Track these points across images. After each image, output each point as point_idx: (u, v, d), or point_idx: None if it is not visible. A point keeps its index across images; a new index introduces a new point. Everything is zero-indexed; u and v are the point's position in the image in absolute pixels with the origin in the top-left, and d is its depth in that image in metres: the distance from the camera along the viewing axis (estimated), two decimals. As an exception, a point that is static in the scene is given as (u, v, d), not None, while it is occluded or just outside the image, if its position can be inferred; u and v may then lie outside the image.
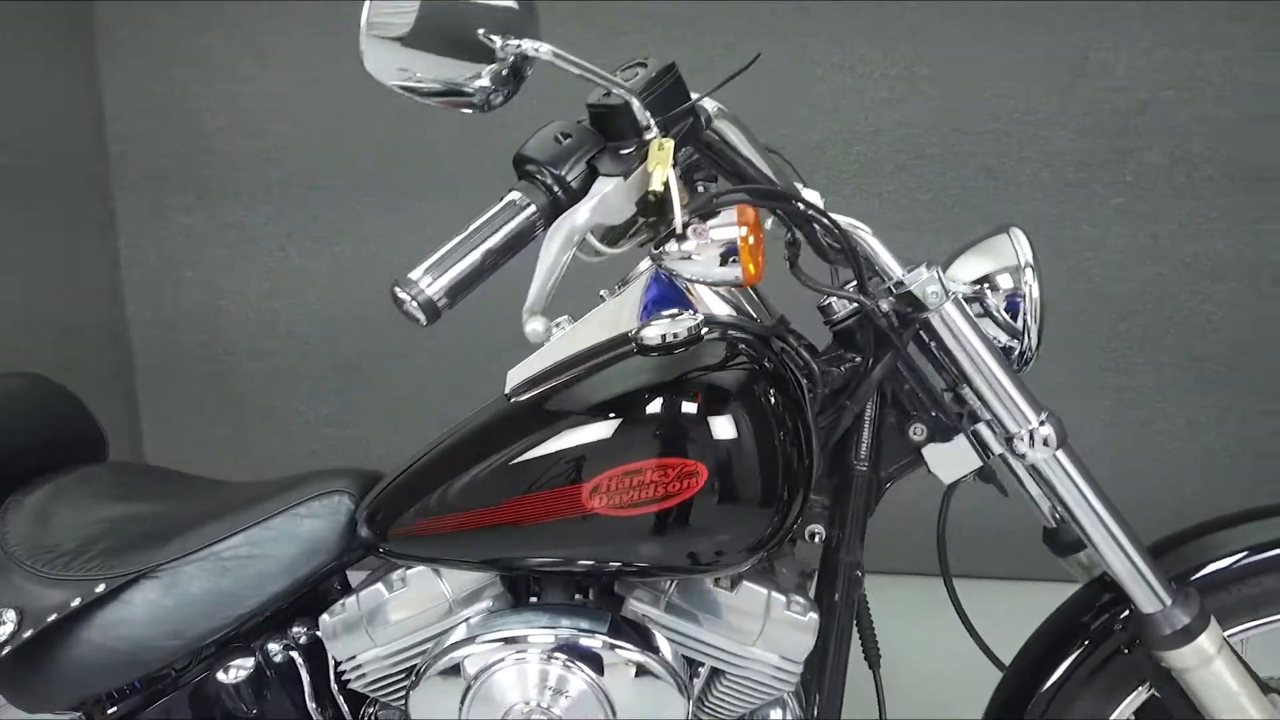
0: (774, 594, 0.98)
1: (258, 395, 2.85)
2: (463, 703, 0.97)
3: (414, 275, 0.83)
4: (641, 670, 0.94)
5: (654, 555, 0.94)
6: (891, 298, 0.99)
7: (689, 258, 0.87)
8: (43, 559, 1.08)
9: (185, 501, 1.19)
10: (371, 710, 1.10)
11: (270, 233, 2.76)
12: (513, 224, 0.85)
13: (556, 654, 0.94)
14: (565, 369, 1.01)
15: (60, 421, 1.23)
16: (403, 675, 1.05)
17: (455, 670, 0.97)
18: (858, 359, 1.03)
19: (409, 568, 1.04)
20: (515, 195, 0.86)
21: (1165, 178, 2.35)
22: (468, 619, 1.02)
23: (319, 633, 1.09)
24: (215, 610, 1.05)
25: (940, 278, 0.96)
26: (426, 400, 2.76)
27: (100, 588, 1.05)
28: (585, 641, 0.95)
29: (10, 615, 1.05)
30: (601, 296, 1.11)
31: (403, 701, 1.06)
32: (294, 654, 1.08)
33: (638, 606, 1.00)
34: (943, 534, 1.15)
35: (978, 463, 1.04)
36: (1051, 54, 2.34)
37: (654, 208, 0.84)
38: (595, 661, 0.94)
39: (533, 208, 0.85)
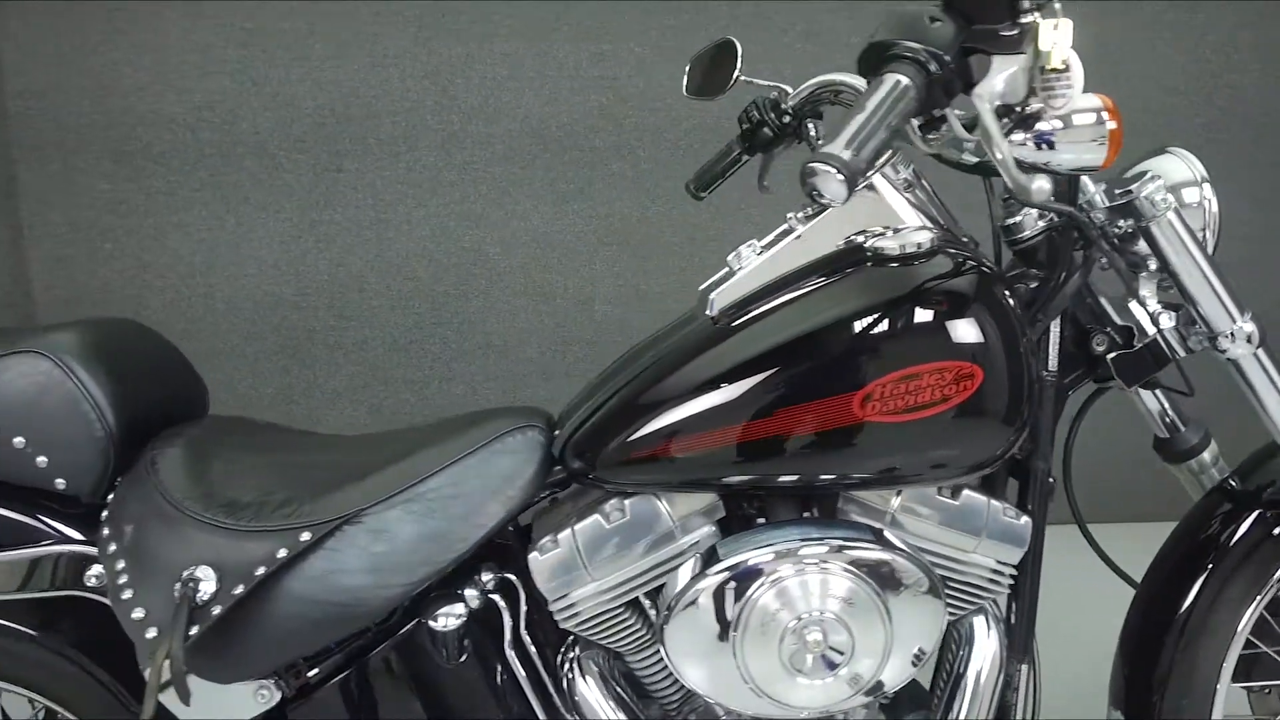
0: (992, 500, 1.03)
1: (192, 377, 2.62)
2: (732, 627, 0.95)
3: (834, 149, 0.81)
4: (907, 577, 0.96)
5: (914, 461, 0.96)
6: (1103, 209, 1.05)
7: (1048, 144, 0.90)
8: (222, 512, 0.97)
9: (349, 449, 1.10)
10: (572, 654, 1.06)
11: (204, 199, 2.54)
12: (903, 104, 0.85)
13: (834, 564, 0.94)
14: (782, 288, 1.01)
15: (170, 372, 1.10)
16: (620, 610, 1.02)
17: (719, 594, 0.95)
18: (1039, 274, 1.09)
19: (625, 498, 1.01)
20: (898, 77, 0.86)
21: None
22: (695, 543, 1.01)
23: (506, 574, 1.04)
24: (428, 553, 0.97)
25: (1165, 187, 1.02)
26: (379, 376, 2.64)
27: (305, 536, 0.95)
28: (862, 551, 0.95)
29: (207, 573, 0.93)
30: (788, 219, 1.12)
31: (616, 639, 1.03)
32: (494, 597, 1.02)
33: (867, 520, 1.02)
34: (1070, 453, 1.22)
35: (1155, 369, 1.12)
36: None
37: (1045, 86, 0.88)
38: (873, 570, 0.95)
39: (912, 87, 0.86)
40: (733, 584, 0.95)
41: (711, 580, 0.95)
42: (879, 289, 0.96)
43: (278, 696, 0.99)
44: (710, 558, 0.97)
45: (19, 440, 0.95)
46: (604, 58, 2.52)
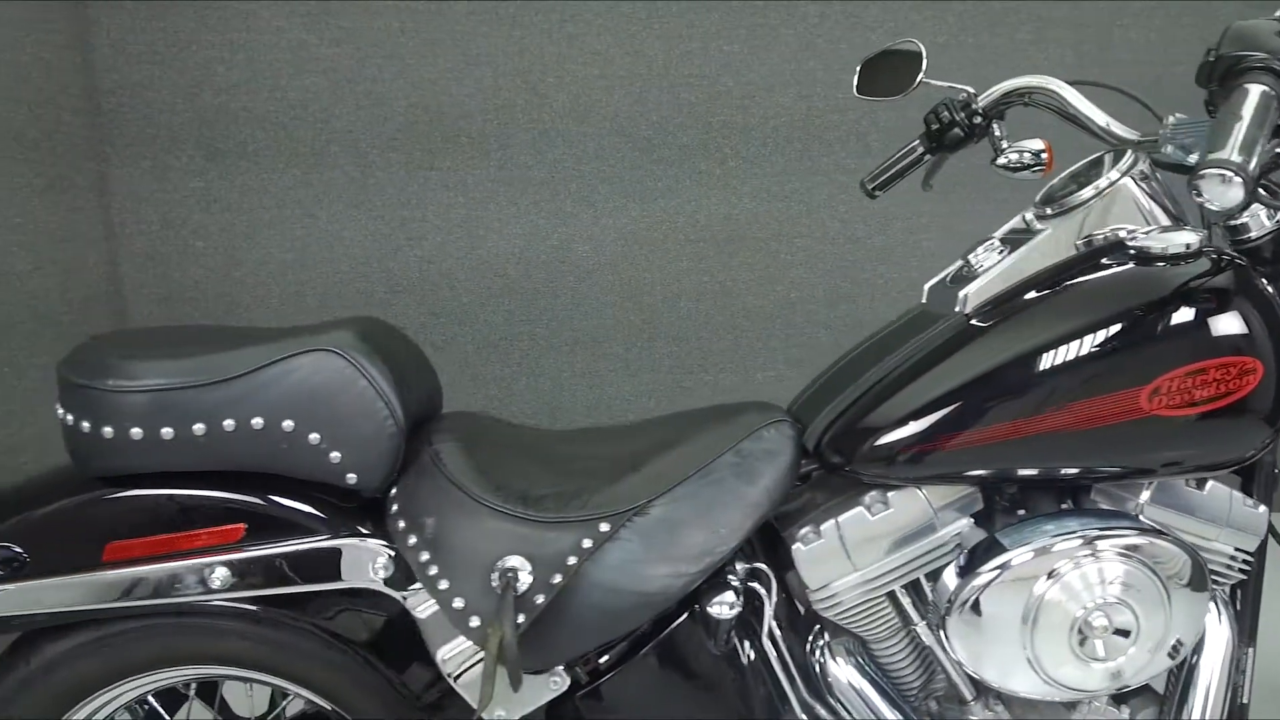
0: (1234, 491, 1.07)
1: (282, 374, 2.64)
2: (1023, 616, 0.98)
3: (1228, 155, 0.85)
4: (1180, 565, 1.00)
5: (1188, 454, 0.99)
6: None
7: None
8: (519, 503, 0.99)
9: (604, 442, 1.13)
10: (822, 641, 1.09)
11: (297, 197, 2.55)
12: (1271, 111, 0.89)
13: (1118, 552, 0.98)
14: (1037, 285, 1.05)
15: (422, 369, 1.13)
16: (879, 600, 1.06)
17: (1008, 585, 0.99)
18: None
19: (886, 490, 1.05)
20: (1262, 86, 0.90)
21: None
22: (957, 534, 1.04)
23: (759, 564, 1.07)
24: (708, 543, 1.01)
25: None
26: (468, 373, 2.66)
27: (604, 526, 0.98)
28: (1144, 539, 0.99)
29: (522, 563, 0.96)
30: (1024, 219, 1.16)
31: (870, 626, 1.07)
32: (754, 585, 1.06)
33: (1121, 509, 1.06)
34: None
35: None
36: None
37: None
38: (1153, 557, 0.98)
39: (1275, 96, 0.89)
40: (1022, 575, 0.99)
41: (1001, 572, 0.99)
42: (1154, 287, 1.00)
43: (567, 683, 1.02)
44: (988, 549, 1.01)
45: (314, 436, 0.97)
46: (693, 56, 2.56)
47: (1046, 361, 0.99)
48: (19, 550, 1.00)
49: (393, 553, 1.00)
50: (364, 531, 1.01)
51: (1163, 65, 2.57)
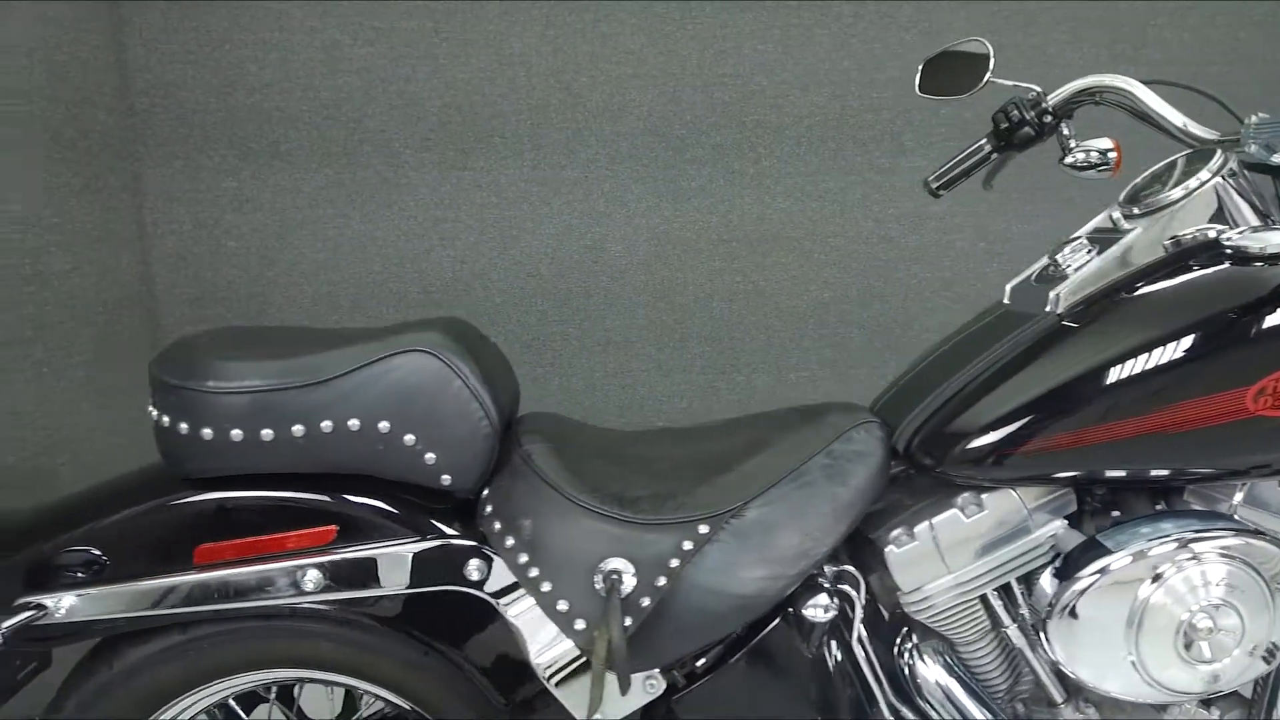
0: None
1: (314, 375, 2.63)
2: (1128, 619, 0.98)
3: None
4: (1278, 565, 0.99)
5: None
6: None
7: None
8: (615, 505, 0.99)
9: (687, 443, 1.13)
10: (909, 644, 1.09)
11: (329, 197, 2.54)
12: None
13: (1221, 554, 0.98)
14: (1129, 285, 1.04)
15: (505, 369, 1.12)
16: (972, 602, 1.05)
17: (1112, 588, 0.98)
18: None
19: (979, 492, 1.04)
20: None
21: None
22: (1051, 536, 1.04)
23: (846, 567, 1.07)
24: (803, 546, 1.00)
25: None
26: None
27: (703, 529, 0.98)
28: (1246, 541, 0.98)
29: (625, 565, 0.96)
30: (1111, 218, 1.16)
31: (960, 629, 1.06)
32: (845, 588, 1.05)
33: (1215, 510, 1.05)
34: None
35: None
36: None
37: None
38: (1256, 559, 0.98)
39: None
40: (1125, 578, 0.98)
41: (1103, 575, 0.98)
42: (1255, 287, 0.99)
43: (664, 686, 1.02)
44: (1088, 552, 1.01)
45: (410, 438, 0.96)
46: (727, 56, 2.55)
47: (1145, 363, 0.99)
48: (99, 554, 0.99)
49: (485, 555, 1.00)
50: (456, 533, 1.00)
51: (1197, 65, 2.57)
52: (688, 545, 0.97)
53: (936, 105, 2.60)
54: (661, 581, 0.96)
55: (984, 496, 1.03)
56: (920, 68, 1.40)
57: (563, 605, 0.96)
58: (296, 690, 1.17)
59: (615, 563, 0.96)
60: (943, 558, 1.03)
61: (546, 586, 0.96)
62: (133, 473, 1.06)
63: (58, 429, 2.11)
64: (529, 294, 2.63)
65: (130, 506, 0.99)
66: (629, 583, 0.95)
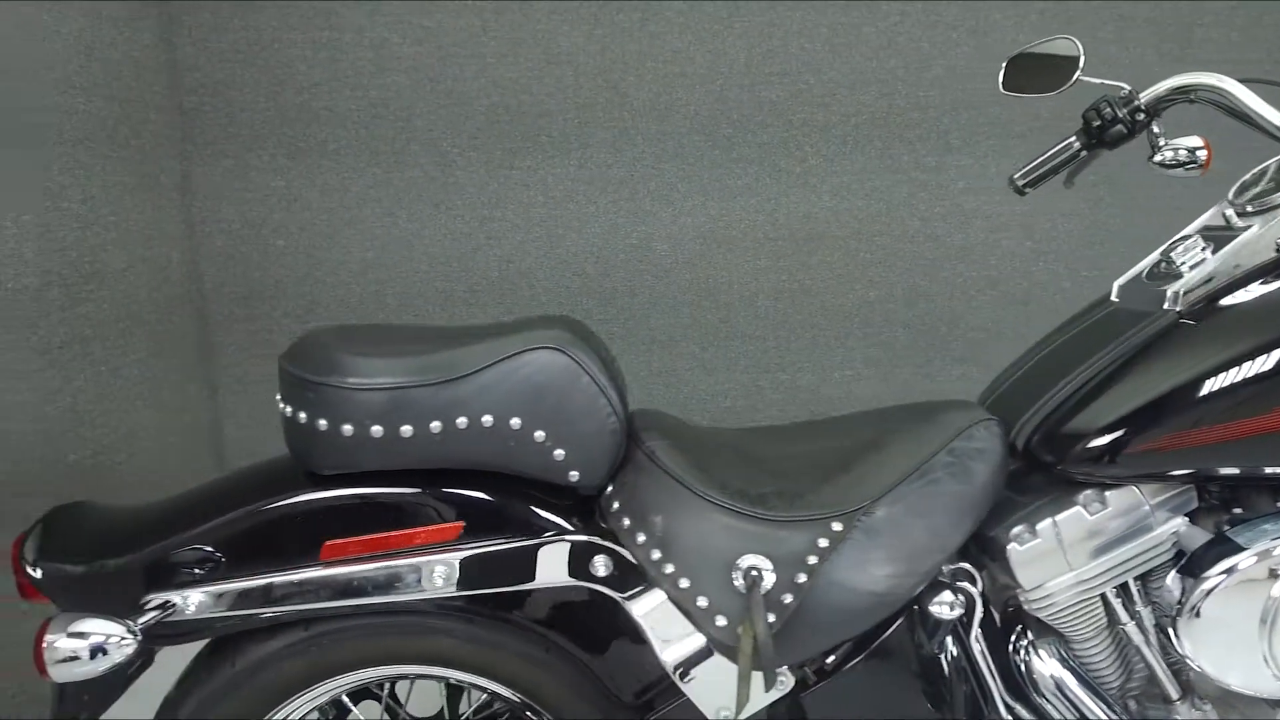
0: None
1: (360, 374, 2.63)
2: (1262, 616, 0.98)
3: None
4: None
5: None
6: None
7: None
8: (745, 502, 0.99)
9: (801, 439, 1.13)
10: (1024, 641, 1.09)
11: (377, 196, 2.55)
12: None
13: None
14: (1246, 283, 1.05)
15: (616, 368, 1.12)
16: (1092, 600, 1.06)
17: (1246, 585, 0.98)
18: None
19: (1102, 489, 1.04)
20: None
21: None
22: (1174, 534, 1.04)
23: (963, 565, 1.07)
24: (932, 544, 1.00)
25: None
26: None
27: (837, 526, 0.98)
28: None
29: (764, 562, 0.96)
30: (1224, 215, 1.16)
31: (1079, 625, 1.07)
32: (965, 585, 1.06)
33: None
34: None
35: None
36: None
37: None
38: None
39: None
40: (1257, 575, 0.98)
41: (1233, 573, 0.98)
42: None
43: (793, 683, 1.02)
44: (1216, 549, 1.01)
45: (539, 434, 0.96)
46: (774, 54, 2.56)
47: (1266, 362, 0.99)
48: (223, 551, 0.99)
49: (611, 551, 1.00)
50: (580, 530, 1.01)
51: (1243, 66, 2.57)
52: (824, 543, 0.97)
53: (984, 104, 2.60)
54: (802, 579, 0.96)
55: (1107, 494, 1.03)
56: (1004, 65, 1.40)
57: (702, 601, 0.96)
58: (401, 685, 1.17)
59: (753, 559, 0.96)
60: (1065, 555, 1.03)
61: (685, 583, 0.97)
62: (247, 469, 1.06)
63: (116, 427, 2.11)
64: (574, 293, 2.63)
65: (253, 504, 0.99)
66: (769, 579, 0.96)
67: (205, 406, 2.55)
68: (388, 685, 1.14)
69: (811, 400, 2.74)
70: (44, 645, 0.90)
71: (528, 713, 1.09)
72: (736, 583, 0.96)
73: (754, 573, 0.95)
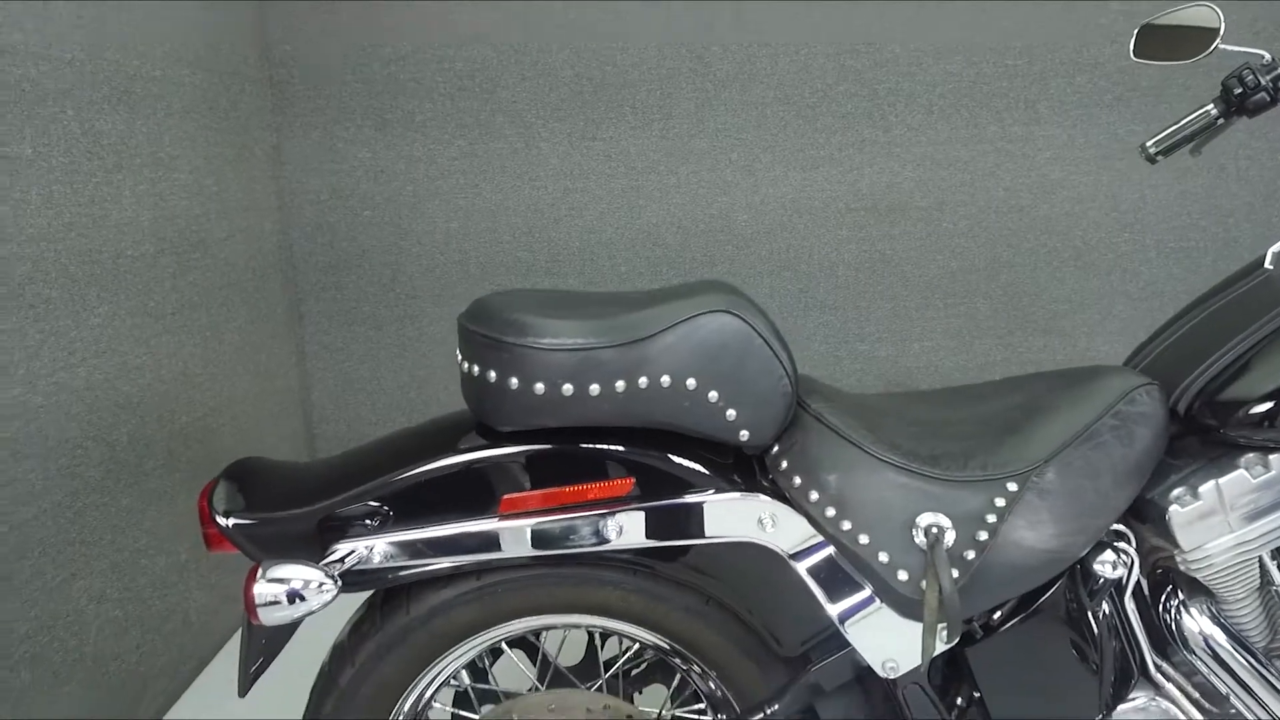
0: None
1: (444, 344, 2.67)
2: None
3: None
4: None
5: None
6: None
7: None
8: (918, 461, 1.01)
9: (957, 404, 1.15)
10: (1175, 601, 1.10)
11: (462, 168, 2.57)
12: None
13: None
14: None
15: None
16: (1250, 561, 1.07)
17: None
18: None
19: (1266, 453, 1.05)
20: None
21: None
22: None
23: (1117, 526, 1.08)
24: (1099, 505, 1.02)
25: None
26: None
27: (1012, 486, 1.00)
28: None
29: (944, 520, 0.98)
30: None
31: (1233, 586, 1.08)
32: (1124, 546, 1.07)
33: None
34: None
35: None
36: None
37: None
38: None
39: None
40: None
41: None
42: None
43: (957, 638, 1.04)
44: None
45: (714, 394, 0.99)
46: (860, 23, 2.54)
47: None
48: (406, 503, 1.02)
49: (778, 507, 1.02)
50: (748, 487, 1.03)
51: (1340, 30, 2.53)
52: (1000, 502, 0.99)
53: (1072, 73, 2.58)
54: (983, 536, 0.98)
55: (1271, 458, 1.04)
56: (1136, 32, 1.39)
57: (883, 557, 0.99)
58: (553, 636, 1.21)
59: (932, 517, 0.98)
60: (1227, 517, 1.04)
61: (864, 539, 0.99)
62: (414, 428, 1.09)
63: (219, 391, 2.16)
64: (655, 262, 2.65)
65: (434, 459, 1.02)
66: (950, 536, 0.98)
67: (294, 372, 2.61)
68: (545, 635, 1.18)
69: (890, 371, 2.74)
70: (253, 591, 0.94)
71: (675, 659, 1.12)
72: (918, 540, 0.98)
73: (934, 530, 0.98)
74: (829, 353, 2.73)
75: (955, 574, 0.98)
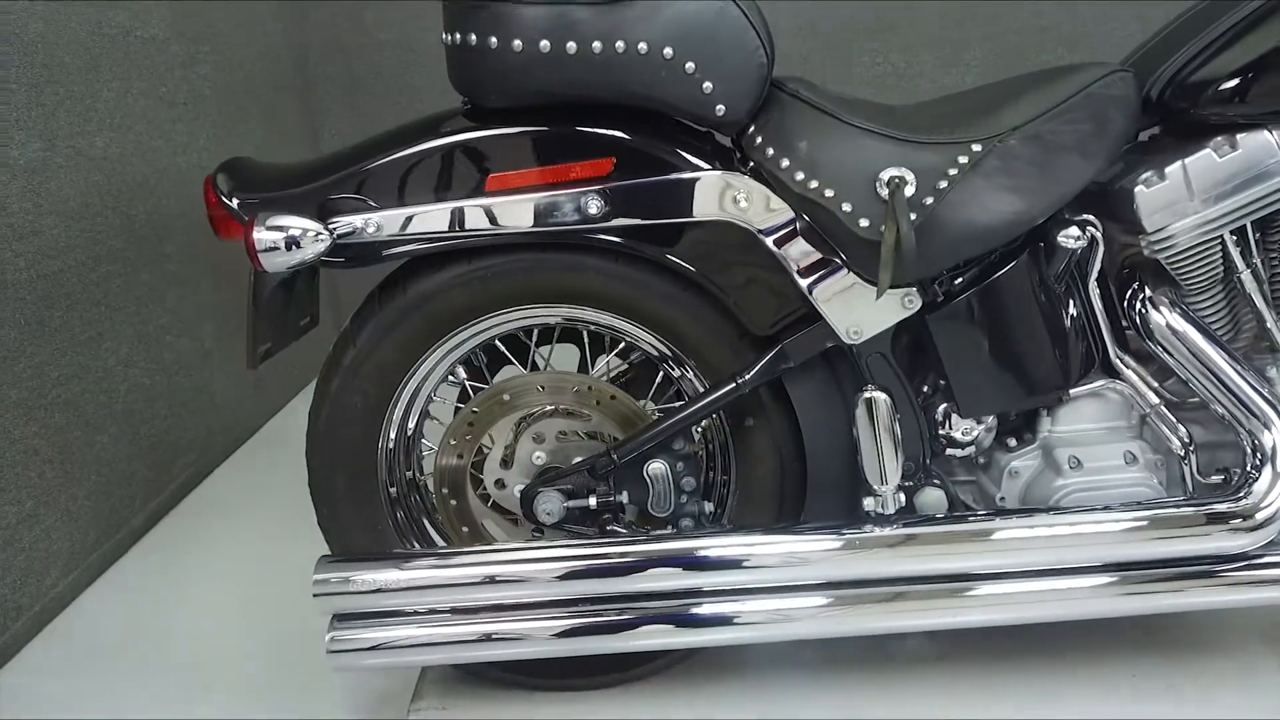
0: None
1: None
2: None
3: None
4: None
5: None
6: None
7: None
8: (895, 129, 1.05)
9: (953, 100, 1.18)
10: (1141, 294, 1.13)
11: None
12: None
13: None
14: None
15: None
16: (1212, 244, 1.10)
17: None
18: None
19: (1233, 133, 1.07)
20: None
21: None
22: None
23: (1086, 215, 1.12)
24: (1060, 178, 1.05)
25: None
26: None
27: (977, 147, 1.04)
28: None
29: (906, 174, 1.03)
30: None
31: (1195, 273, 1.10)
32: (1095, 232, 1.11)
33: None
34: None
35: None
36: None
37: None
38: None
39: None
40: None
41: None
42: None
43: (919, 304, 1.10)
44: None
45: (690, 65, 1.02)
46: None
47: None
48: (396, 183, 1.07)
49: (754, 185, 1.06)
50: (724, 168, 1.07)
51: None
52: (963, 159, 1.03)
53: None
54: (943, 185, 1.02)
55: (1238, 137, 1.06)
56: None
57: (847, 207, 1.03)
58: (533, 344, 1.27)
59: (896, 170, 1.02)
60: (1192, 196, 1.06)
61: (829, 193, 1.03)
62: (405, 124, 1.13)
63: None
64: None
65: (424, 142, 1.06)
66: (909, 188, 1.02)
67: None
68: (535, 334, 1.25)
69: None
70: (254, 237, 1.00)
71: (655, 352, 1.18)
72: (881, 193, 1.02)
73: (895, 180, 1.02)
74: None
75: (913, 217, 1.02)
